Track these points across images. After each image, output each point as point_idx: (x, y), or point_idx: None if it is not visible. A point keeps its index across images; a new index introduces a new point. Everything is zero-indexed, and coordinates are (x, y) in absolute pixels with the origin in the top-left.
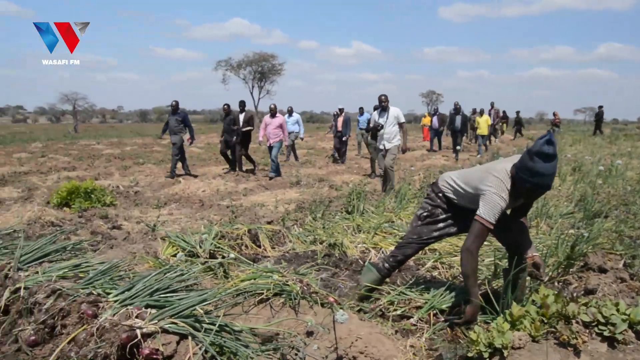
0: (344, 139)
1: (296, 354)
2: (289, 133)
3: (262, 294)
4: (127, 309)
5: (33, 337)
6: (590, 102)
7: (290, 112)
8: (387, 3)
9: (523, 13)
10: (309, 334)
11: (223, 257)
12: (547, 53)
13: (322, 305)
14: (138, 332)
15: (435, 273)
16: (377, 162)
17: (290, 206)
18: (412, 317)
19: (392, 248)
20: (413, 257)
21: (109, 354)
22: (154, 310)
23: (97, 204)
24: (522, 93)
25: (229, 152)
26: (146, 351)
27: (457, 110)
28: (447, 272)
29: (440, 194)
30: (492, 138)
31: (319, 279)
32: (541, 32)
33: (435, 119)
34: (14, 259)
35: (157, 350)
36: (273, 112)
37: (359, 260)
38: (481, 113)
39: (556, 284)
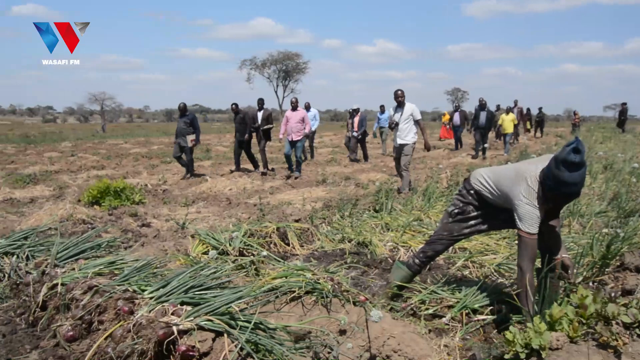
0: (357, 135)
1: (329, 352)
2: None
3: (294, 292)
4: (163, 305)
5: (71, 333)
6: (620, 99)
7: (307, 107)
8: (410, 0)
9: (549, 8)
10: (342, 332)
11: (253, 255)
12: (575, 49)
13: (354, 303)
14: (174, 328)
15: (466, 272)
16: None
17: (317, 204)
18: (444, 317)
19: (421, 246)
20: (443, 256)
21: (146, 350)
22: (189, 308)
23: (126, 202)
24: (549, 90)
25: (242, 152)
26: (183, 348)
27: (482, 106)
28: (478, 271)
29: (472, 191)
30: (518, 136)
31: (349, 278)
32: (568, 27)
33: (457, 115)
34: (51, 256)
35: (194, 347)
36: (294, 106)
37: (388, 259)
38: (507, 111)
39: (591, 284)
